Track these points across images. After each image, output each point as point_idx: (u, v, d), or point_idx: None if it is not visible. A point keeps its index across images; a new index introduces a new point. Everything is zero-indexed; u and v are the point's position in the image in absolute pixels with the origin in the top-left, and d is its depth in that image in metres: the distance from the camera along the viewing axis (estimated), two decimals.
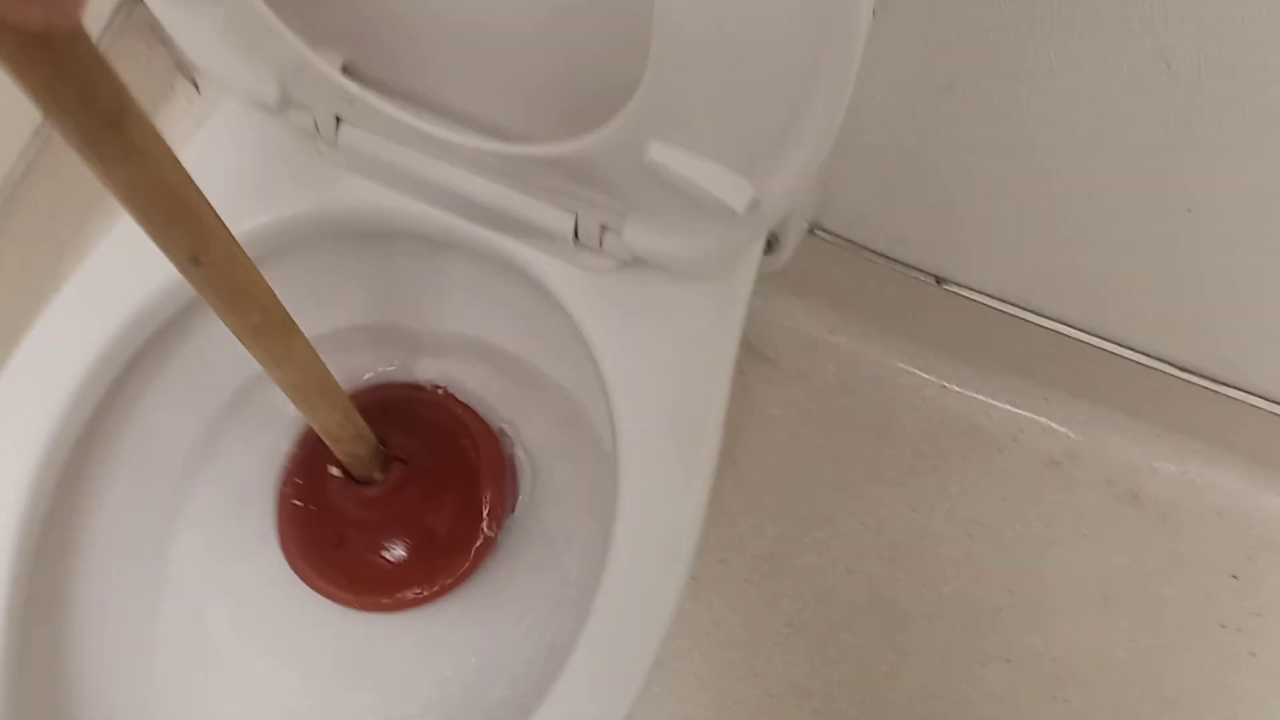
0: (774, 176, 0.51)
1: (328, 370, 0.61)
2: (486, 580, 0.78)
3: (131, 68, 1.12)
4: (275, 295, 0.53)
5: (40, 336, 0.66)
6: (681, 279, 0.67)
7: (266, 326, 0.53)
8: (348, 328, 0.81)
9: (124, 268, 0.67)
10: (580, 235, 0.63)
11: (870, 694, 1.03)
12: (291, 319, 0.55)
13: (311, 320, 0.79)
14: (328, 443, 0.67)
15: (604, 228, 0.62)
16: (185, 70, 1.18)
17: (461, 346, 0.81)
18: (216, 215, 0.47)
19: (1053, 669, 1.03)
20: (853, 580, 1.06)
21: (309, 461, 0.78)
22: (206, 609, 0.76)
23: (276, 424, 0.79)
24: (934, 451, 1.10)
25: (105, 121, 0.38)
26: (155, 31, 1.12)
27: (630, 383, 0.66)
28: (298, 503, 0.78)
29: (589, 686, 0.60)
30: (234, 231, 0.67)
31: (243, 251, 0.49)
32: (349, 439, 0.67)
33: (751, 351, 1.13)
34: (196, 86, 1.19)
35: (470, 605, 0.78)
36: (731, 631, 1.05)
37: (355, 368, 0.82)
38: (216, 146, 0.71)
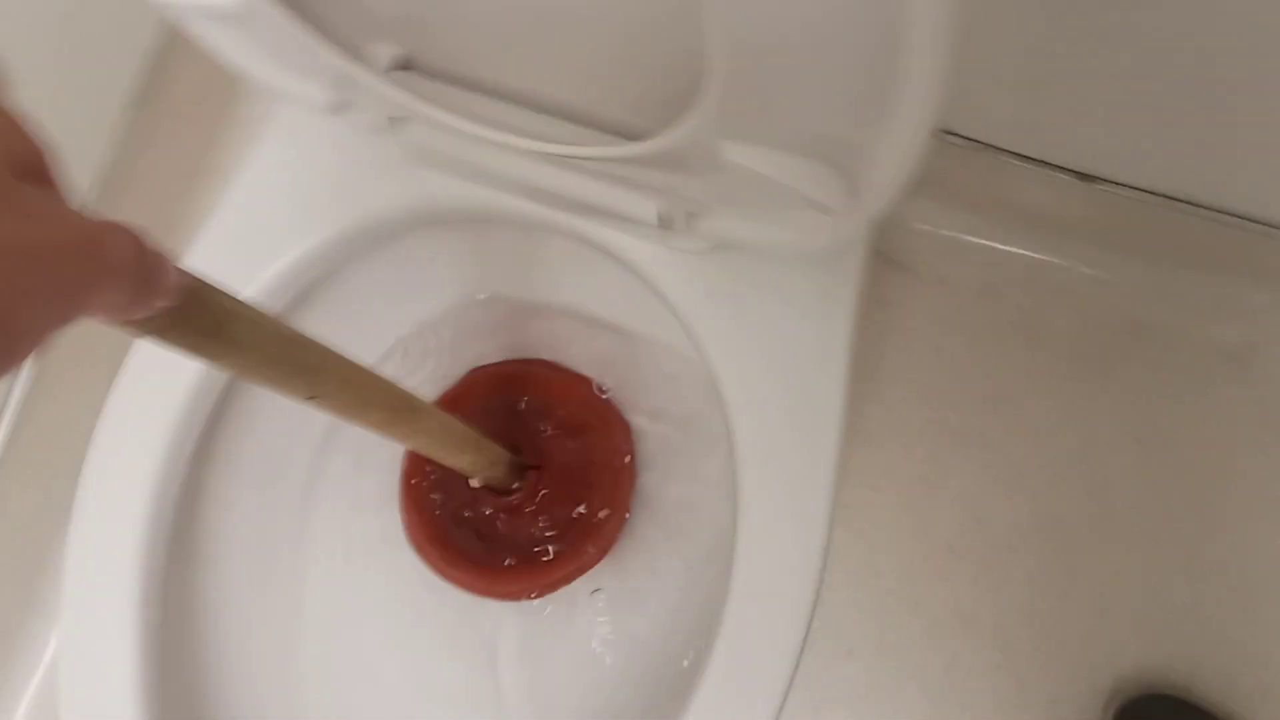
0: (870, 165, 0.45)
1: (457, 424, 0.61)
2: (623, 561, 0.76)
3: None
4: (394, 389, 0.53)
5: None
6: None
7: (389, 419, 0.53)
8: (456, 306, 0.78)
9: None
10: (665, 222, 0.58)
11: (1041, 617, 0.98)
12: (414, 401, 0.55)
13: (416, 307, 0.78)
14: (465, 475, 0.68)
15: (690, 215, 0.57)
16: None
17: (572, 320, 0.78)
18: (324, 353, 0.46)
19: (1240, 581, 0.96)
20: (1014, 499, 1.00)
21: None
22: (347, 608, 0.76)
23: None
24: (1093, 354, 1.01)
25: (205, 334, 0.37)
26: None
27: (737, 365, 0.61)
28: (435, 498, 0.77)
29: (733, 688, 0.58)
30: (314, 239, 0.65)
31: (356, 370, 0.49)
32: (484, 467, 0.67)
33: (886, 260, 1.06)
34: None
35: (608, 584, 0.76)
36: (888, 560, 1.01)
37: (470, 347, 0.79)
38: (290, 145, 0.68)
